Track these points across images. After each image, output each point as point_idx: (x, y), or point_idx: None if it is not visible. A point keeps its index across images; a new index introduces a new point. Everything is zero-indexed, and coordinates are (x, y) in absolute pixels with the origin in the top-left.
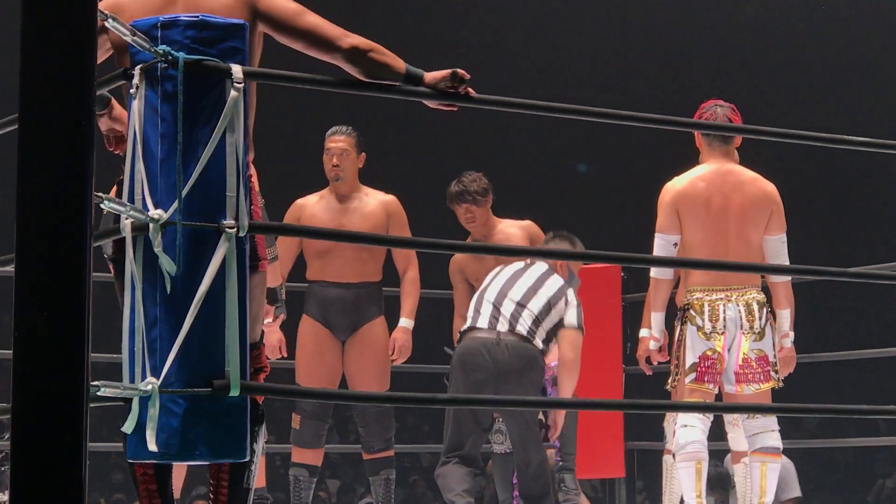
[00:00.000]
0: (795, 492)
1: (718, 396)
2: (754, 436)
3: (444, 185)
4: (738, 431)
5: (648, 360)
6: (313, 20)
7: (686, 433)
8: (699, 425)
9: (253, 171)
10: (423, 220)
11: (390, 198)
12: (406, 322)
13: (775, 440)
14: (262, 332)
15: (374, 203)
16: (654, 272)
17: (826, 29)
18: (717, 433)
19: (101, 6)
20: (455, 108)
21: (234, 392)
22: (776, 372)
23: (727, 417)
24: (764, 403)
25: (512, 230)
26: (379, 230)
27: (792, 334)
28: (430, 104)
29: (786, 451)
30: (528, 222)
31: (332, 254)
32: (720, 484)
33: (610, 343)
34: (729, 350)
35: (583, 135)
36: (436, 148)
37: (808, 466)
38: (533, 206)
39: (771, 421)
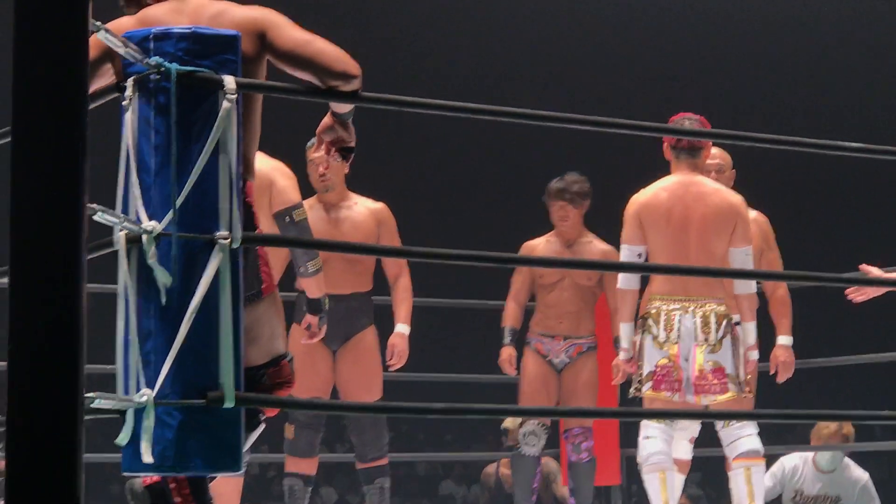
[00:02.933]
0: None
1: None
2: (732, 443)
3: (434, 191)
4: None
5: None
6: (320, 46)
7: (648, 444)
8: (660, 435)
9: (251, 190)
10: (414, 225)
11: (380, 205)
12: (403, 328)
13: (754, 443)
14: (287, 349)
15: (364, 211)
16: (620, 283)
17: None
18: (711, 440)
19: (132, 20)
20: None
21: (229, 403)
22: (738, 384)
23: (716, 425)
24: (746, 410)
25: (598, 245)
26: (370, 239)
27: (785, 339)
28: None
29: (777, 457)
30: (610, 248)
31: (324, 265)
32: None
33: (605, 352)
34: (686, 360)
35: (572, 142)
36: (425, 154)
37: None
38: (522, 213)
39: (747, 426)
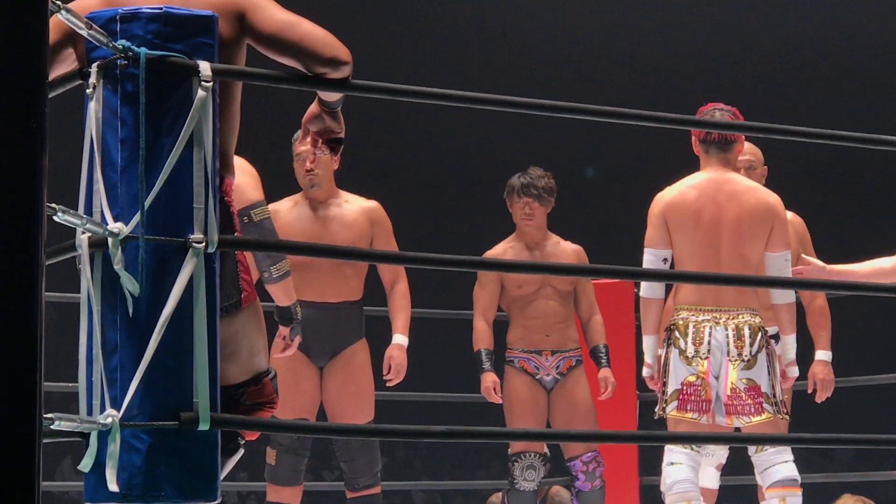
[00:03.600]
0: None
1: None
2: (766, 470)
3: (441, 190)
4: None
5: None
6: (306, 28)
7: (672, 472)
8: (686, 462)
9: (230, 188)
10: (411, 226)
11: (373, 204)
12: (400, 339)
13: (790, 471)
14: (270, 365)
15: (355, 210)
16: (643, 291)
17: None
18: (740, 467)
19: (93, 0)
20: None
21: (204, 426)
22: (775, 405)
23: (748, 450)
24: (782, 434)
25: (567, 246)
26: (362, 241)
27: (824, 355)
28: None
29: (815, 485)
30: (580, 247)
31: (309, 269)
32: None
33: (623, 365)
34: (717, 378)
35: (591, 139)
36: (433, 150)
37: None
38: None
39: (783, 451)
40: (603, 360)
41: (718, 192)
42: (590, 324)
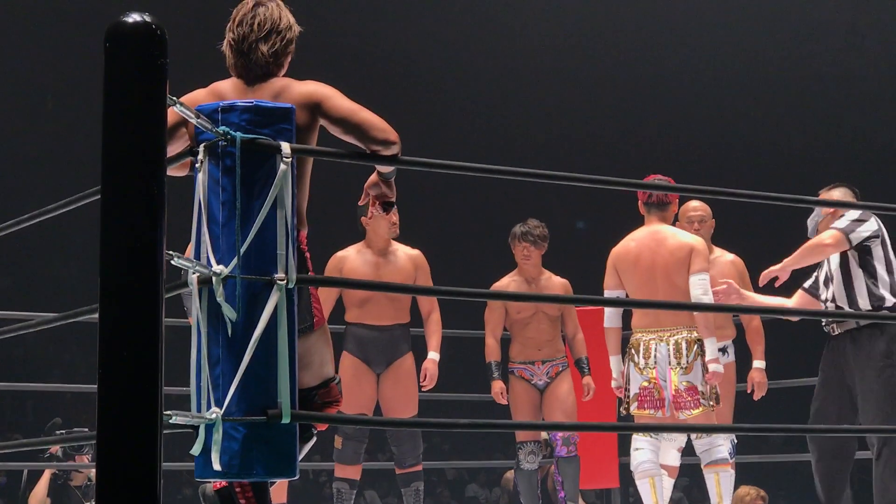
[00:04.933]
0: None
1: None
2: (704, 452)
3: (458, 241)
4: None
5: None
6: (365, 116)
7: (637, 455)
8: (647, 446)
9: (304, 238)
10: (441, 266)
11: (416, 252)
12: (434, 355)
13: (722, 453)
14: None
15: (404, 257)
16: (606, 323)
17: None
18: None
19: (203, 93)
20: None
21: (286, 420)
22: (706, 399)
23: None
24: (732, 425)
25: (557, 279)
26: (408, 280)
27: (760, 363)
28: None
29: (753, 464)
30: (566, 281)
31: (371, 302)
32: None
33: (605, 371)
34: (665, 381)
35: (581, 195)
36: (451, 206)
37: (772, 477)
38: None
39: (713, 438)
40: (585, 370)
41: (651, 240)
42: (574, 341)
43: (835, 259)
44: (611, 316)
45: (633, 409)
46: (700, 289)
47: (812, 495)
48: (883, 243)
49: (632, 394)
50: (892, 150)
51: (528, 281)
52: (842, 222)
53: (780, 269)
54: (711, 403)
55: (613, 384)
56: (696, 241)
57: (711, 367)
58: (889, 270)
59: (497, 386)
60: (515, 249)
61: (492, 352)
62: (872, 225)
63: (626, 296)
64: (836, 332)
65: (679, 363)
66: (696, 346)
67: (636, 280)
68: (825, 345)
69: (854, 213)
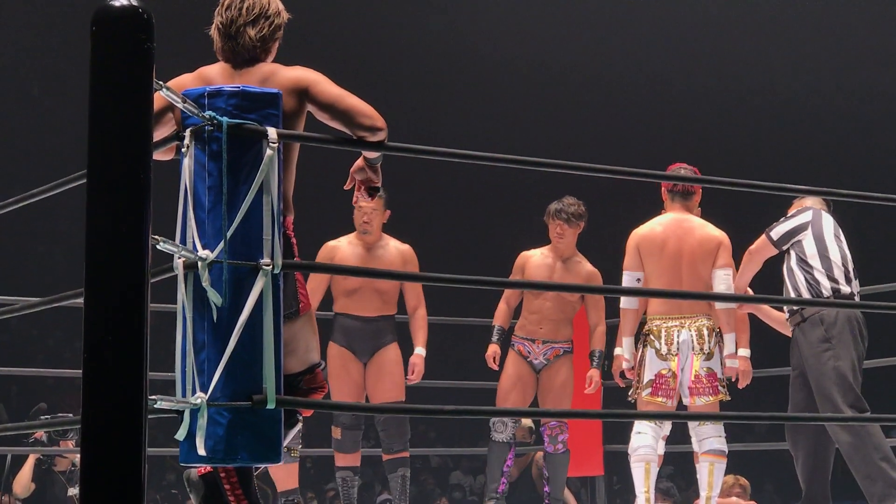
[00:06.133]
0: None
1: (682, 408)
2: (703, 440)
3: (440, 232)
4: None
5: (622, 375)
6: (352, 102)
7: (639, 439)
8: (650, 432)
9: (290, 224)
10: (429, 252)
11: (406, 247)
12: (421, 350)
13: (720, 444)
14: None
15: (394, 251)
16: (623, 304)
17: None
18: (683, 437)
19: (190, 77)
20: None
21: (270, 405)
22: (723, 386)
23: (690, 425)
24: (719, 412)
25: (587, 266)
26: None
27: (744, 352)
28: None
29: (738, 452)
30: (596, 270)
31: (358, 293)
32: None
33: (578, 360)
34: (682, 369)
35: (565, 185)
36: (437, 199)
37: (758, 465)
38: (519, 249)
39: (717, 428)
40: (594, 362)
41: (678, 228)
42: (595, 331)
43: (783, 267)
44: (631, 297)
45: (646, 394)
46: (724, 284)
47: (797, 483)
48: (816, 236)
49: (646, 379)
50: None
51: (556, 258)
52: (775, 223)
53: (737, 291)
54: (726, 392)
55: (625, 365)
56: (723, 235)
57: (728, 362)
58: (824, 258)
59: (492, 349)
60: (550, 226)
61: (500, 315)
62: (800, 220)
63: (640, 281)
64: (791, 328)
65: (702, 349)
66: (715, 334)
67: (661, 265)
68: (790, 343)
69: (791, 212)
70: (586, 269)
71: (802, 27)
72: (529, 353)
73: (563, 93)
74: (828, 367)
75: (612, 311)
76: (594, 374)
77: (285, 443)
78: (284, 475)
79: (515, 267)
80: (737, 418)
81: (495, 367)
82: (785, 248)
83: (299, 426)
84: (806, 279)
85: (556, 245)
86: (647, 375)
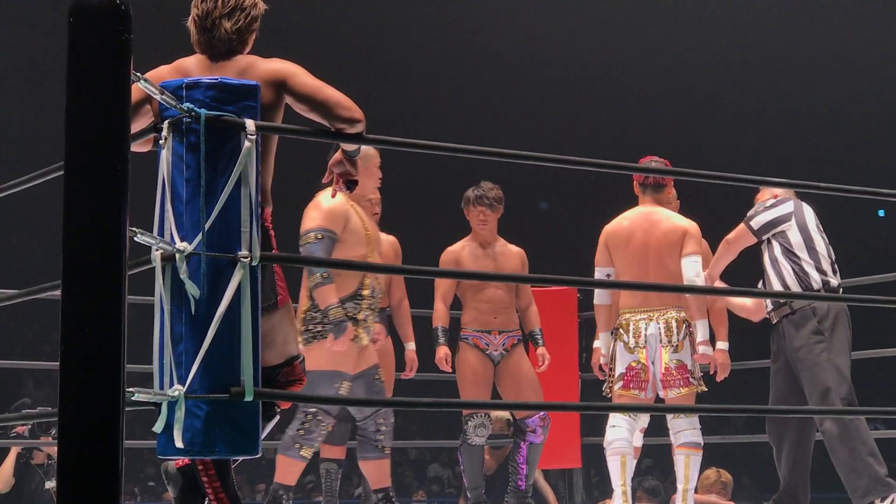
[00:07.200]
0: None
1: (661, 401)
2: (678, 433)
3: (420, 220)
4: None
5: (602, 368)
6: (330, 93)
7: (613, 432)
8: (624, 425)
9: (269, 216)
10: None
11: (393, 238)
12: (412, 345)
13: (696, 437)
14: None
15: (385, 244)
16: (595, 299)
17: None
18: (661, 430)
19: (167, 69)
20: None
21: (249, 397)
22: (696, 378)
23: (667, 417)
24: (695, 405)
25: (512, 248)
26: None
27: (723, 345)
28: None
29: (715, 445)
30: (522, 250)
31: None
32: None
33: (568, 354)
34: (653, 362)
35: (545, 176)
36: (408, 186)
37: (735, 457)
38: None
39: (692, 420)
40: (539, 341)
41: (645, 221)
42: (528, 312)
43: (764, 256)
44: (601, 293)
45: (618, 388)
46: (692, 271)
47: (775, 476)
48: (801, 227)
49: (617, 373)
50: None
51: (482, 246)
52: (751, 211)
53: (708, 279)
54: (700, 383)
55: (602, 360)
56: (689, 224)
57: (701, 349)
58: (811, 249)
59: (442, 351)
60: (470, 215)
61: (440, 316)
62: (783, 210)
63: (611, 276)
64: (776, 321)
65: (670, 341)
66: (685, 326)
67: (627, 259)
68: (770, 335)
69: (770, 202)
70: (515, 251)
71: (785, 27)
72: (488, 345)
73: (555, 87)
74: (822, 360)
75: (589, 304)
76: (544, 352)
77: (262, 435)
78: (288, 471)
79: (447, 264)
80: (713, 411)
81: (448, 369)
82: (765, 237)
83: (276, 419)
84: (794, 270)
85: (479, 232)
86: (619, 369)
